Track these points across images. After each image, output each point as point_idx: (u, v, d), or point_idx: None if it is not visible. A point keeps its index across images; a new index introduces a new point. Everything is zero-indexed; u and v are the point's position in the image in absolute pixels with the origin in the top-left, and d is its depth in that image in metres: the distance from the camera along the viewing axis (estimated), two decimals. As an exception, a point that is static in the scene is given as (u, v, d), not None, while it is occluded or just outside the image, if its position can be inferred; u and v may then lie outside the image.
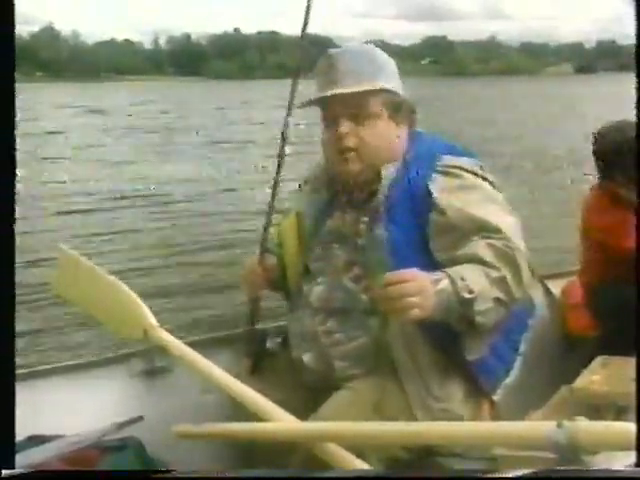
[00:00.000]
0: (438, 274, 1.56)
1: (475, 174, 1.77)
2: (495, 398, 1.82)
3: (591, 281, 2.68)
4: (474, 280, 1.56)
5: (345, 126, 1.77)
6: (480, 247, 1.63)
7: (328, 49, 1.84)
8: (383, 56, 1.85)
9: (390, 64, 1.86)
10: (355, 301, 1.79)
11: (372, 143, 1.78)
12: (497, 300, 1.59)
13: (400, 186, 1.76)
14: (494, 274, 1.59)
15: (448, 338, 1.70)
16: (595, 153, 2.66)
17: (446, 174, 1.75)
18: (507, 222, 1.68)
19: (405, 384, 1.74)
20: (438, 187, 1.72)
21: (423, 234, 1.71)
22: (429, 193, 1.72)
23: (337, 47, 1.95)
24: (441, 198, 1.71)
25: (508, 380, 1.84)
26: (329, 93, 1.77)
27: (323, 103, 1.82)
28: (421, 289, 1.49)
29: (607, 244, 2.56)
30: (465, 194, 1.72)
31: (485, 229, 1.65)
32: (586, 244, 2.72)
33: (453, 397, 1.76)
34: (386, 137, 1.81)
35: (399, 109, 1.82)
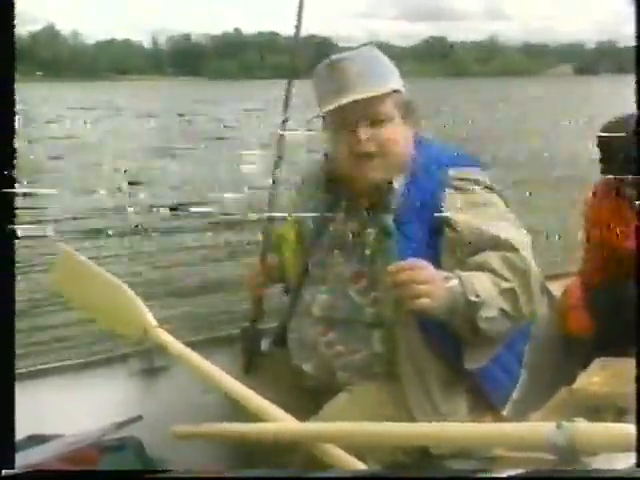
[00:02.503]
0: (449, 273, 1.56)
1: (487, 187, 1.74)
2: (504, 413, 1.79)
3: (590, 281, 2.68)
4: (482, 286, 1.55)
5: (364, 131, 1.72)
6: (492, 257, 1.61)
7: (329, 56, 1.79)
8: (385, 57, 1.82)
9: (392, 65, 1.83)
10: (360, 313, 1.76)
11: (392, 147, 1.74)
12: (503, 311, 1.57)
13: (410, 199, 1.73)
14: (503, 284, 1.58)
15: (454, 352, 1.68)
16: (600, 146, 2.60)
17: (458, 189, 1.71)
18: (521, 240, 1.65)
19: (410, 399, 1.70)
20: (450, 203, 1.69)
21: (434, 248, 1.67)
22: (441, 208, 1.69)
23: (336, 47, 1.94)
24: (454, 214, 1.67)
25: (516, 394, 1.82)
26: (346, 100, 1.70)
27: (333, 110, 1.74)
28: (431, 278, 1.49)
29: (608, 242, 2.54)
30: (478, 210, 1.69)
31: (499, 245, 1.63)
32: (588, 243, 2.71)
33: (458, 412, 1.73)
34: (402, 140, 1.77)
35: (408, 110, 1.80)
